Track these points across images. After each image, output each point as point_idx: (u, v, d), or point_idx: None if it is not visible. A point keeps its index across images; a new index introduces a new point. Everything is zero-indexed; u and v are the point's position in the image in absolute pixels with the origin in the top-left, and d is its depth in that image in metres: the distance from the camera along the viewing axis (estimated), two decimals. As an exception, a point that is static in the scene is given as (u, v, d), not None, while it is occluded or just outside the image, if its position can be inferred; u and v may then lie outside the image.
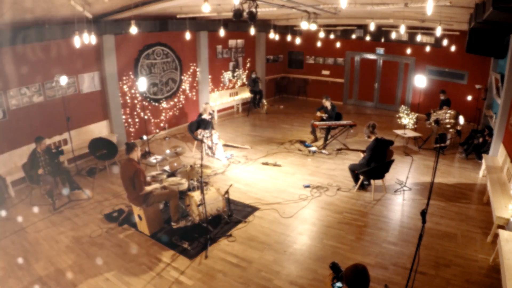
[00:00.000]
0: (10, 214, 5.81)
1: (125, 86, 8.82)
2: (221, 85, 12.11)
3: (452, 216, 5.67)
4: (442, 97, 9.51)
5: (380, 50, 12.74)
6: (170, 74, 10.05)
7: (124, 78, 8.77)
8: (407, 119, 9.12)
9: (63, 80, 6.83)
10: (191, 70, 10.70)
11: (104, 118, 8.52)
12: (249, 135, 10.05)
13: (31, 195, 6.26)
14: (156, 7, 6.21)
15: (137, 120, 9.25)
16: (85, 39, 6.09)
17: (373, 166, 6.18)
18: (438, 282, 4.17)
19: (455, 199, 6.25)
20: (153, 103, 9.68)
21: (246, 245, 5.00)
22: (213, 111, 10.85)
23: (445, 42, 9.74)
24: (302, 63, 14.83)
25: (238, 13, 4.68)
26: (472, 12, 5.75)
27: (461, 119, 8.20)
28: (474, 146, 8.02)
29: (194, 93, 10.99)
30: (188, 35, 8.59)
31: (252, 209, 5.93)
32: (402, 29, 6.82)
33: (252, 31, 7.99)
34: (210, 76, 11.37)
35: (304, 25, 6.32)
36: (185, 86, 10.60)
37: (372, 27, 7.20)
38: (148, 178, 5.53)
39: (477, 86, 10.16)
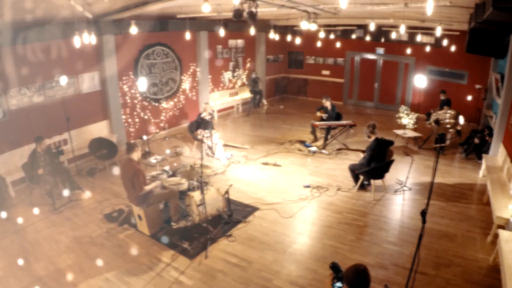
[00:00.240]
0: (10, 214, 5.80)
1: (125, 86, 8.81)
2: (221, 85, 12.10)
3: (452, 216, 5.67)
4: (442, 97, 9.51)
5: (380, 50, 12.73)
6: (170, 74, 10.05)
7: (124, 78, 8.77)
8: (407, 119, 9.12)
9: (63, 80, 6.82)
10: (191, 70, 10.70)
11: (104, 118, 8.51)
12: (249, 135, 10.05)
13: (31, 195, 6.26)
14: (156, 7, 6.20)
15: (137, 120, 9.25)
16: (85, 39, 6.09)
17: (373, 166, 6.18)
18: (438, 282, 4.17)
19: (455, 199, 6.25)
20: (153, 103, 9.67)
21: (246, 245, 5.00)
22: (213, 111, 10.87)
23: (445, 42, 9.74)
24: (302, 63, 14.82)
25: (238, 13, 4.68)
26: (472, 12, 5.76)
27: (461, 119, 8.20)
28: (474, 146, 8.02)
29: (194, 93, 10.99)
30: (188, 35, 8.58)
31: (252, 209, 5.93)
32: (402, 29, 6.82)
33: (252, 31, 8.00)
34: (210, 76, 11.36)
35: (304, 25, 6.31)
36: (185, 86, 10.60)
37: (372, 27, 7.20)
38: (148, 179, 5.53)
39: (477, 86, 10.16)
